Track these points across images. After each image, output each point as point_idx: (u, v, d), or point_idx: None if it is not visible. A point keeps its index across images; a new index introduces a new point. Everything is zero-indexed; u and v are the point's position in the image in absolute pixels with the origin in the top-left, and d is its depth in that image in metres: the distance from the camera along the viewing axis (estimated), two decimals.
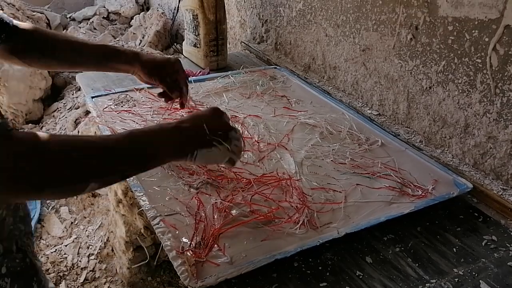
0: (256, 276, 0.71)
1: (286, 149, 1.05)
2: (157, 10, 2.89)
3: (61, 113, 2.48)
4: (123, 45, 2.68)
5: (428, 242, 0.81)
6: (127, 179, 0.89)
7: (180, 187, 0.90)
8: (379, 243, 0.80)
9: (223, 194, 0.87)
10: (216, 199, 0.85)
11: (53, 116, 2.51)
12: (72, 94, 2.55)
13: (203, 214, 0.81)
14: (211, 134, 0.69)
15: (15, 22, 0.81)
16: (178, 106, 1.08)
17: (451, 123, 1.04)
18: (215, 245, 0.75)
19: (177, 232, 0.77)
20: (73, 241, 1.83)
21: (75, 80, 1.54)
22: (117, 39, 2.86)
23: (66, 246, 1.82)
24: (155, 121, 1.11)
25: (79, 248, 1.81)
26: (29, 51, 0.85)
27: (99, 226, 1.87)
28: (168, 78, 1.02)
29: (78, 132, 2.13)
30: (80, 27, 3.02)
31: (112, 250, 1.76)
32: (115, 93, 1.25)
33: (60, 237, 1.87)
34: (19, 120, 2.44)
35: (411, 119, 1.16)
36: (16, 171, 0.50)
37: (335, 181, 0.94)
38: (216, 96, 1.28)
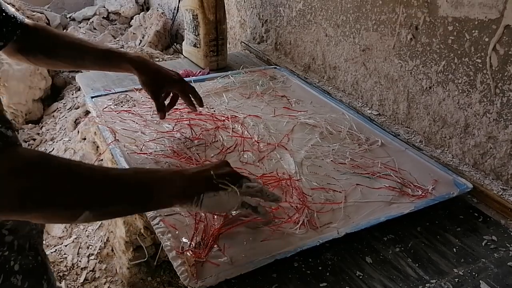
0: (256, 276, 0.71)
1: (286, 149, 1.05)
2: (157, 10, 2.89)
3: (61, 113, 2.48)
4: (123, 45, 2.68)
5: (428, 242, 0.81)
6: None
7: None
8: (379, 243, 0.80)
9: None
10: None
11: (53, 116, 2.51)
12: (72, 94, 2.55)
13: (203, 214, 0.81)
14: (217, 179, 0.66)
15: (26, 20, 0.82)
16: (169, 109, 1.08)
17: (451, 123, 1.04)
18: (215, 245, 0.75)
19: (177, 232, 0.77)
20: (73, 241, 1.83)
21: (75, 80, 1.54)
22: (117, 39, 2.86)
23: (66, 246, 1.82)
24: (155, 121, 1.11)
25: (79, 248, 1.81)
26: (34, 50, 0.86)
27: (99, 226, 1.87)
28: (161, 97, 1.02)
29: (78, 132, 2.13)
30: (80, 27, 3.02)
31: (112, 250, 1.76)
32: (115, 93, 1.25)
33: (60, 237, 1.87)
34: (19, 120, 2.44)
35: (411, 119, 1.16)
36: (6, 188, 0.50)
37: (335, 181, 0.94)
38: (216, 96, 1.28)
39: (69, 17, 3.20)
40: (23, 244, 0.66)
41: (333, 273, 0.73)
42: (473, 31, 0.93)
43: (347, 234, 0.79)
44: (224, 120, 1.14)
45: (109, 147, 1.01)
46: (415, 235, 0.82)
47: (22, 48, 0.83)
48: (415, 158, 1.03)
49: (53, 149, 2.23)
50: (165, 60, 2.20)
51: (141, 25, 2.91)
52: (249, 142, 1.06)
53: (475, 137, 0.99)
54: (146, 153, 0.97)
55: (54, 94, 2.69)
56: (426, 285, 0.72)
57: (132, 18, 3.08)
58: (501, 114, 0.92)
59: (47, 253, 1.82)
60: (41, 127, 2.47)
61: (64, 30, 2.99)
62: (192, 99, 1.04)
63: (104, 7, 3.22)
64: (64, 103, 2.54)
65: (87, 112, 2.12)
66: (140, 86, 1.25)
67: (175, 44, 2.55)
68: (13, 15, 0.75)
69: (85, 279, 1.70)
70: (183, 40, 1.66)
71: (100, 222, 1.87)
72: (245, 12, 1.86)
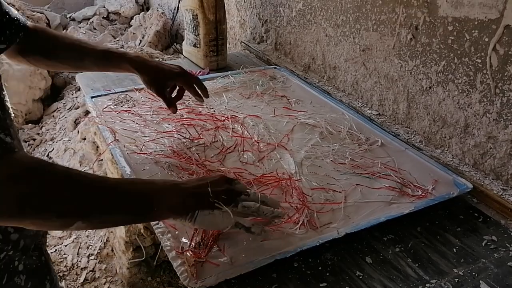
0: (256, 276, 0.71)
1: (286, 149, 1.05)
2: (157, 10, 2.89)
3: (60, 113, 2.48)
4: (122, 45, 2.68)
5: (428, 242, 0.81)
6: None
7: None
8: (379, 243, 0.80)
9: None
10: None
11: (53, 116, 2.51)
12: (72, 94, 2.56)
13: None
14: (214, 197, 0.66)
15: (28, 22, 0.82)
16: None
17: (451, 123, 1.04)
18: (215, 245, 0.75)
19: (176, 232, 0.77)
20: (72, 241, 1.83)
21: (75, 80, 1.54)
22: (117, 39, 2.86)
23: (66, 246, 1.82)
24: (155, 121, 1.11)
25: (79, 248, 1.81)
26: (34, 51, 0.86)
27: None
28: (167, 92, 1.02)
29: (78, 132, 2.13)
30: (80, 27, 3.02)
31: (112, 250, 1.76)
32: (115, 93, 1.25)
33: (60, 237, 1.87)
34: (19, 120, 2.44)
35: (411, 119, 1.16)
36: (5, 194, 0.50)
37: (335, 181, 0.94)
38: (216, 96, 1.28)
39: (69, 17, 3.20)
40: (29, 244, 0.66)
41: (333, 273, 0.73)
42: (473, 31, 0.93)
43: (347, 234, 0.78)
44: (224, 120, 1.14)
45: (109, 147, 1.01)
46: (415, 235, 0.82)
47: (22, 50, 0.83)
48: (415, 158, 1.03)
49: (53, 149, 2.23)
50: (165, 60, 2.20)
51: (141, 25, 2.91)
52: (249, 142, 1.06)
53: (475, 137, 0.99)
54: (146, 153, 0.97)
55: (54, 94, 2.69)
56: (426, 285, 0.72)
57: (132, 18, 3.08)
58: (501, 114, 0.92)
59: None
60: (41, 127, 2.47)
61: (64, 30, 3.00)
62: (198, 90, 1.04)
63: (104, 7, 3.22)
64: (64, 103, 2.54)
65: (87, 112, 2.12)
66: (140, 86, 1.26)
67: (175, 44, 2.55)
68: (16, 17, 0.75)
69: (85, 279, 1.70)
70: (183, 40, 1.66)
71: None
72: (245, 12, 1.86)
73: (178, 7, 1.87)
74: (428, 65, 1.06)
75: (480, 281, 0.73)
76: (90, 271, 1.73)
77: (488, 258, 0.78)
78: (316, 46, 1.46)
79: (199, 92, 1.04)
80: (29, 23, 0.82)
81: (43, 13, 2.97)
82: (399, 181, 0.94)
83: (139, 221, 0.70)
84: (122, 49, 2.40)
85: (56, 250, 1.80)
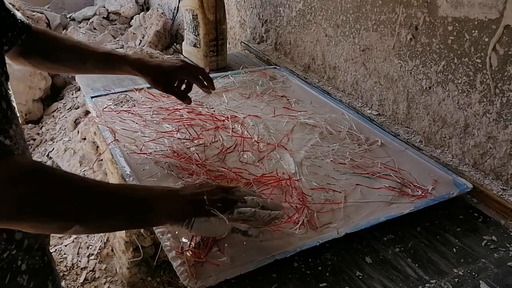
0: (256, 276, 0.71)
1: (286, 149, 1.05)
2: (157, 10, 2.89)
3: (60, 113, 2.48)
4: (122, 46, 2.68)
5: (428, 242, 0.81)
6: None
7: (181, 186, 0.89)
8: (379, 243, 0.80)
9: None
10: None
11: (53, 116, 2.51)
12: (72, 94, 2.56)
13: None
14: (210, 205, 0.67)
15: (32, 25, 0.82)
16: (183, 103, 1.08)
17: (451, 123, 1.04)
18: (215, 245, 0.75)
19: (176, 232, 0.77)
20: (72, 241, 1.83)
21: (75, 80, 1.54)
22: (117, 39, 2.86)
23: (65, 246, 1.82)
24: (155, 121, 1.11)
25: (79, 248, 1.81)
26: (36, 53, 0.86)
27: None
28: (176, 87, 1.02)
29: (78, 132, 2.13)
30: (80, 27, 3.02)
31: (112, 250, 1.76)
32: (115, 93, 1.25)
33: (60, 237, 1.87)
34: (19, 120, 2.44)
35: (411, 119, 1.16)
36: (5, 196, 0.51)
37: (335, 181, 0.94)
38: (216, 96, 1.28)
39: (69, 17, 3.20)
40: (32, 244, 0.66)
41: (333, 273, 0.73)
42: (473, 31, 0.93)
43: (347, 234, 0.78)
44: (224, 120, 1.14)
45: (109, 147, 1.01)
46: (415, 235, 0.82)
47: (24, 52, 0.83)
48: (415, 158, 1.03)
49: (53, 149, 2.23)
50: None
51: (141, 25, 2.91)
52: (249, 142, 1.06)
53: (475, 137, 0.99)
54: (146, 153, 0.97)
55: (54, 94, 2.69)
56: (426, 285, 0.72)
57: (132, 18, 3.08)
58: (500, 114, 0.92)
59: None
60: (41, 127, 2.47)
61: (64, 30, 3.00)
62: (204, 81, 1.04)
63: (104, 7, 3.22)
64: (64, 103, 2.54)
65: (87, 112, 2.12)
66: (140, 86, 1.26)
67: (175, 44, 2.55)
68: (20, 19, 0.76)
69: (85, 279, 1.70)
70: (183, 40, 1.66)
71: None
72: (245, 12, 1.86)
73: (178, 7, 1.87)
74: (428, 65, 1.06)
75: (480, 281, 0.73)
76: (90, 271, 1.73)
77: (488, 258, 0.78)
78: (316, 46, 1.46)
79: (206, 84, 1.04)
80: (32, 25, 0.83)
81: (43, 13, 2.97)
82: (399, 181, 0.94)
83: (137, 226, 0.70)
84: (123, 51, 2.40)
85: (56, 250, 1.80)
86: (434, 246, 0.80)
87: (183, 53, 1.66)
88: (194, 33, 1.52)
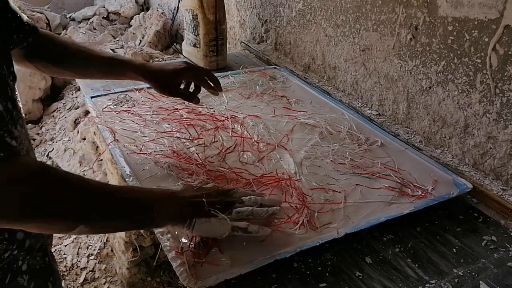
0: (256, 276, 0.71)
1: (286, 149, 1.05)
2: (157, 10, 2.89)
3: (60, 113, 2.48)
4: (122, 45, 2.67)
5: (428, 243, 0.81)
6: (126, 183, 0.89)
7: (180, 187, 0.89)
8: (379, 244, 0.80)
9: None
10: None
11: (53, 116, 2.51)
12: (72, 94, 2.56)
13: None
14: (209, 206, 0.68)
15: (39, 28, 0.82)
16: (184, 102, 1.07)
17: (451, 123, 1.04)
18: (214, 246, 0.75)
19: (176, 233, 0.77)
20: (72, 241, 1.83)
21: (75, 80, 1.54)
22: (117, 39, 2.86)
23: (65, 246, 1.82)
24: (155, 121, 1.11)
25: (79, 248, 1.81)
26: (42, 57, 0.86)
27: None
28: (182, 89, 1.01)
29: (78, 132, 2.13)
30: (79, 27, 3.02)
31: (112, 250, 1.76)
32: (115, 93, 1.25)
33: (59, 237, 1.87)
34: None
35: (410, 119, 1.16)
36: (10, 197, 0.51)
37: (335, 181, 0.94)
38: (215, 96, 1.28)
39: (69, 17, 3.20)
40: (34, 244, 0.66)
41: (332, 273, 0.73)
42: (473, 31, 0.93)
43: (347, 234, 0.78)
44: (223, 120, 1.14)
45: (108, 147, 1.01)
46: (415, 235, 0.82)
47: (30, 55, 0.84)
48: (415, 158, 1.03)
49: (53, 149, 2.23)
50: (165, 60, 2.20)
51: (141, 25, 2.91)
52: (248, 142, 1.06)
53: (475, 137, 0.99)
54: (146, 153, 0.97)
55: (53, 94, 2.69)
56: (426, 285, 0.72)
57: (132, 18, 3.08)
58: (500, 114, 0.92)
59: None
60: (41, 127, 2.47)
61: (64, 30, 2.99)
62: (210, 83, 1.03)
63: (104, 7, 3.22)
64: (63, 103, 2.54)
65: (87, 112, 2.12)
66: (140, 86, 1.26)
67: (175, 44, 2.55)
68: (27, 22, 0.76)
69: (85, 279, 1.70)
70: (183, 40, 1.66)
71: None
72: (245, 12, 1.86)
73: (178, 7, 1.87)
74: (428, 65, 1.06)
75: (480, 281, 0.73)
76: (89, 271, 1.73)
77: (488, 258, 0.78)
78: (316, 46, 1.46)
79: (212, 85, 1.03)
80: (39, 28, 0.83)
81: (43, 13, 2.97)
82: (399, 181, 0.94)
83: (139, 227, 0.71)
84: (123, 51, 2.40)
85: (55, 250, 1.80)
86: (434, 246, 0.80)
87: (183, 53, 1.66)
88: (194, 33, 1.52)
